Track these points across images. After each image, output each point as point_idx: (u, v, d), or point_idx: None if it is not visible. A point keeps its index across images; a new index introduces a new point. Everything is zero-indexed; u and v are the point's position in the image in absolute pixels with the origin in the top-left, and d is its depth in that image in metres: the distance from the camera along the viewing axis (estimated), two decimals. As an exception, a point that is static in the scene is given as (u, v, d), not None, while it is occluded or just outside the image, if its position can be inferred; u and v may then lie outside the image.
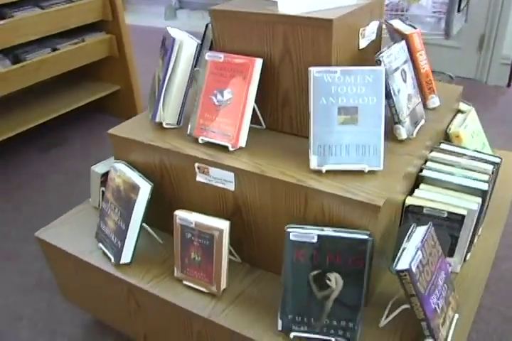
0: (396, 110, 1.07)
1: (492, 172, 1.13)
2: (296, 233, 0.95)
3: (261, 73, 1.07)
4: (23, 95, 2.26)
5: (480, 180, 1.10)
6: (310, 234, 0.94)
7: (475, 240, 1.21)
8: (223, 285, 1.11)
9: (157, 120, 1.19)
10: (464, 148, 1.23)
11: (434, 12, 2.21)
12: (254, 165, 1.05)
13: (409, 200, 1.08)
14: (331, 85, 0.97)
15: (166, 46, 1.13)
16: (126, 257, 1.19)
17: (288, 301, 0.98)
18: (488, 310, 1.47)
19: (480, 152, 1.21)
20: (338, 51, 1.03)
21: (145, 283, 1.15)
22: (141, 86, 2.47)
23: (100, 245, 1.25)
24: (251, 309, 1.07)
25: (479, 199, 1.08)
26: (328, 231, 0.95)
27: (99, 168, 1.32)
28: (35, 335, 1.44)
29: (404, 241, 0.95)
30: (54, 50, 2.09)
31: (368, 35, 1.13)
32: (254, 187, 1.05)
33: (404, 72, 1.11)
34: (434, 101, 1.24)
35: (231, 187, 1.08)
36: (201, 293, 1.12)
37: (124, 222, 1.16)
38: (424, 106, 1.24)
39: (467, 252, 1.16)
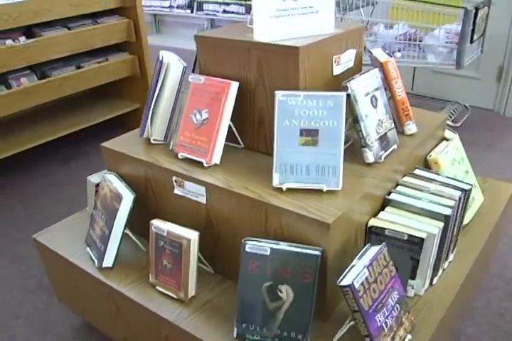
0: (363, 134, 1.12)
1: (459, 199, 1.16)
2: (251, 245, 1.01)
3: (239, 96, 1.15)
4: (49, 109, 2.43)
5: (445, 206, 1.13)
6: (264, 246, 1.00)
7: (444, 265, 1.23)
8: (191, 292, 1.17)
9: (144, 136, 1.28)
10: (438, 174, 1.26)
11: (447, 42, 2.25)
12: (224, 180, 1.12)
13: (372, 221, 1.12)
14: (295, 108, 1.04)
15: (156, 68, 1.23)
16: (108, 261, 1.27)
17: (242, 310, 1.03)
18: (468, 339, 1.46)
19: (453, 179, 1.24)
20: (308, 77, 1.10)
21: (122, 286, 1.23)
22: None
23: (88, 249, 1.34)
24: (214, 317, 1.12)
25: (441, 224, 1.10)
26: (282, 246, 1.00)
27: (94, 178, 1.43)
28: (29, 333, 1.53)
29: (355, 259, 0.99)
30: (78, 67, 2.26)
31: (343, 62, 1.20)
32: (223, 201, 1.12)
33: (375, 99, 1.16)
34: (410, 128, 1.28)
35: (203, 200, 1.16)
36: (171, 299, 1.18)
37: (107, 228, 1.25)
38: (402, 132, 1.29)
39: (433, 276, 1.18)
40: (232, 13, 3.90)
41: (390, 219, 1.12)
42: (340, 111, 1.03)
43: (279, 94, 1.04)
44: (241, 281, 1.03)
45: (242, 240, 1.02)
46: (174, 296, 1.18)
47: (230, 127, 1.18)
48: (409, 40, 2.35)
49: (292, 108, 1.04)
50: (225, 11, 3.94)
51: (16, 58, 2.02)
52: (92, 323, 1.47)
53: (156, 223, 1.18)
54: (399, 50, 2.39)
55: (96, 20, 2.30)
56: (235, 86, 1.13)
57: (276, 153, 1.05)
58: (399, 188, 1.20)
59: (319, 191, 1.05)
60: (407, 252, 1.10)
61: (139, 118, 2.58)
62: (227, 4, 3.90)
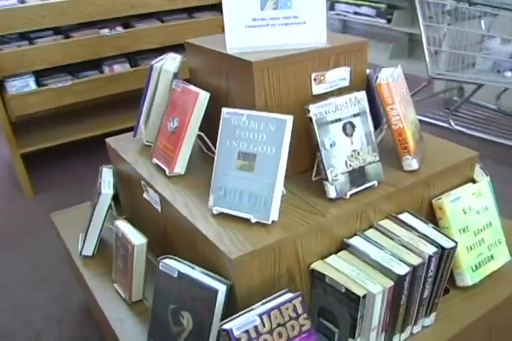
0: (324, 165, 0.99)
1: (429, 257, 0.96)
2: (164, 264, 0.97)
3: (213, 106, 1.10)
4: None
5: (405, 263, 0.95)
6: (173, 268, 0.95)
7: (413, 329, 1.04)
8: (136, 297, 1.17)
9: (137, 137, 1.30)
10: (426, 222, 1.06)
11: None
12: (174, 192, 1.08)
13: (315, 264, 0.99)
14: (236, 128, 0.96)
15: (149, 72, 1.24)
16: (87, 250, 1.34)
17: (152, 327, 1.01)
18: None
19: (440, 231, 1.03)
20: (269, 95, 1.00)
21: (90, 276, 1.29)
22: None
23: (80, 235, 1.42)
24: (145, 325, 1.11)
25: (390, 283, 0.93)
26: (194, 271, 0.95)
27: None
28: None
29: (259, 303, 0.89)
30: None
31: (329, 81, 1.06)
32: (169, 213, 1.09)
33: (352, 126, 1.01)
34: (409, 164, 1.09)
35: (159, 208, 1.14)
36: (121, 299, 1.20)
37: (90, 218, 1.31)
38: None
39: (388, 339, 1.01)
40: (363, 15, 3.70)
41: (336, 266, 0.98)
42: (281, 137, 0.92)
43: (224, 112, 0.97)
44: (153, 298, 1.00)
45: (159, 257, 0.99)
46: (123, 296, 1.20)
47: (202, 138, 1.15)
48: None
49: (234, 128, 0.96)
50: (355, 13, 3.75)
51: (108, 46, 2.20)
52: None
53: (118, 223, 1.20)
54: (510, 70, 2.03)
55: (191, 15, 2.38)
56: (203, 96, 1.08)
57: (214, 173, 0.99)
58: (368, 232, 1.04)
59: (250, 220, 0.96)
60: (345, 307, 0.96)
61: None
62: (358, 6, 3.71)
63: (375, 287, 0.92)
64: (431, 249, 0.98)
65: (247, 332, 0.84)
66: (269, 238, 0.92)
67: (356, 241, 1.01)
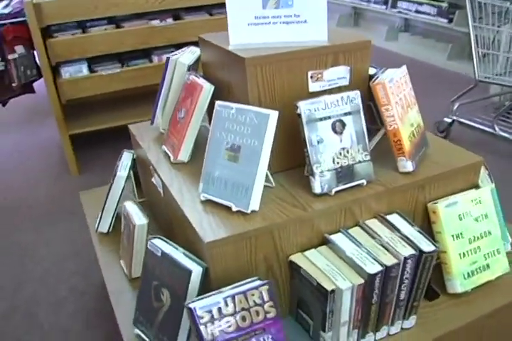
0: (310, 161, 1.01)
1: (404, 259, 0.96)
2: (151, 243, 1.04)
3: (218, 99, 1.15)
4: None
5: (378, 262, 0.95)
6: (158, 247, 1.02)
7: (390, 330, 1.05)
8: (135, 273, 1.25)
9: (154, 125, 1.38)
10: (412, 225, 1.05)
11: None
12: (174, 178, 1.15)
13: (294, 256, 1.03)
14: (226, 120, 1.00)
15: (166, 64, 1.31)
16: (103, 227, 1.44)
17: (139, 300, 1.08)
18: None
19: (424, 235, 1.02)
20: (263, 90, 1.04)
21: (103, 252, 1.39)
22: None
23: (99, 213, 1.52)
24: (139, 301, 1.20)
25: (360, 281, 0.94)
26: (176, 252, 1.01)
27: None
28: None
29: (228, 287, 0.93)
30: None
31: (327, 79, 1.08)
32: (168, 198, 1.16)
33: (342, 124, 1.03)
34: (404, 165, 1.09)
35: (162, 192, 1.21)
36: (124, 274, 1.29)
37: (106, 198, 1.41)
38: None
39: (359, 337, 1.02)
40: (424, 13, 3.60)
41: (313, 259, 1.01)
42: (263, 131, 0.95)
43: (217, 104, 1.02)
44: (142, 274, 1.08)
45: (150, 236, 1.06)
46: (125, 272, 1.29)
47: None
48: None
49: (224, 120, 1.01)
50: (417, 11, 3.66)
51: (158, 37, 2.30)
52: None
53: (126, 204, 1.28)
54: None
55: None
56: (208, 89, 1.13)
57: (204, 162, 1.04)
58: (352, 229, 1.06)
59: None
60: (317, 300, 0.98)
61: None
62: (420, 4, 3.61)
63: (344, 283, 0.94)
64: (408, 251, 0.98)
65: (209, 312, 0.89)
66: (246, 226, 0.97)
67: (337, 238, 1.03)
